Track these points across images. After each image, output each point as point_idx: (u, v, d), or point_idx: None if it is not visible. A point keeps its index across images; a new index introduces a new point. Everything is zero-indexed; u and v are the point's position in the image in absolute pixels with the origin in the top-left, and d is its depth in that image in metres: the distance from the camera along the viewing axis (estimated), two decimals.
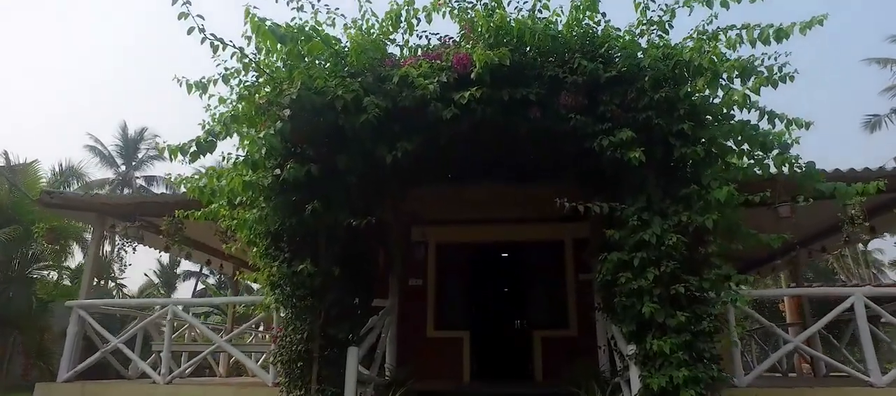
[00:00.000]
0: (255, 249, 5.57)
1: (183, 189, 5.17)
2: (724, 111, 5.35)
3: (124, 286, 31.99)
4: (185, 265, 34.63)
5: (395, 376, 6.79)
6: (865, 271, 28.53)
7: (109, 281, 30.93)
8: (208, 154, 4.89)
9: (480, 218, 10.12)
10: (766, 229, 5.40)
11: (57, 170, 26.28)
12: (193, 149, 4.83)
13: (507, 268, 11.18)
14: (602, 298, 6.13)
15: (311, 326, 5.19)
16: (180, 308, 7.89)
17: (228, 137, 4.97)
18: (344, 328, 5.33)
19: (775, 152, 5.07)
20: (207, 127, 4.94)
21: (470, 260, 10.45)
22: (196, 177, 5.41)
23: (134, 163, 35.38)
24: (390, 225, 7.60)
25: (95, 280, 28.78)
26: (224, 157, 4.98)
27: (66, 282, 18.45)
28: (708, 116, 5.36)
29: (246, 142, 4.90)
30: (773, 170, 5.13)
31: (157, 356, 8.20)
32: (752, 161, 5.49)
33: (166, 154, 4.81)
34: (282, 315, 5.61)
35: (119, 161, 35.06)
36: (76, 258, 27.54)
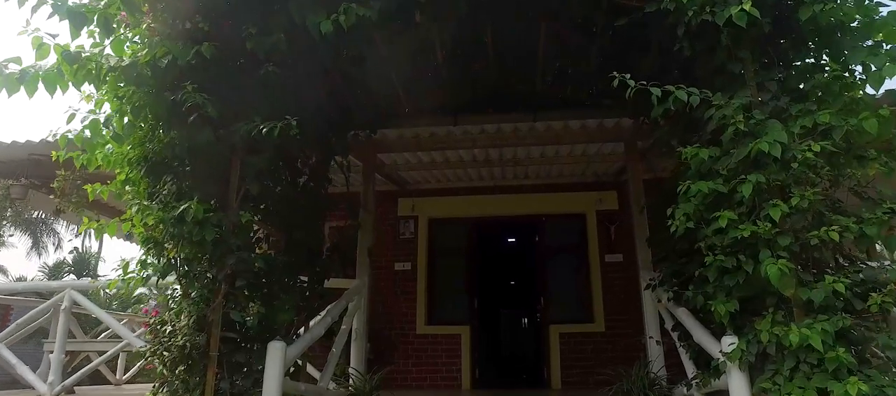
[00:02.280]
0: (128, 188, 3.55)
1: None
2: None
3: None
4: None
5: (361, 385, 4.77)
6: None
7: (95, 280, 29.09)
8: None
9: (483, 187, 8.18)
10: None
11: None
12: None
13: (517, 249, 9.19)
14: (666, 266, 4.07)
15: (201, 306, 3.17)
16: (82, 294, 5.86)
17: None
18: (255, 311, 3.31)
19: None
20: None
21: (470, 238, 8.46)
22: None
23: None
24: (352, 168, 5.60)
25: (73, 276, 26.74)
26: None
27: None
28: None
29: None
30: None
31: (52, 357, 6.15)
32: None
33: None
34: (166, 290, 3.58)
35: None
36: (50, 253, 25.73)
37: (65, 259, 27.95)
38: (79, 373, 5.83)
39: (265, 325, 3.62)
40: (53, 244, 25.98)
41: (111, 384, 8.02)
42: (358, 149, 5.66)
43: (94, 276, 27.97)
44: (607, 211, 8.05)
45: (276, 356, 3.31)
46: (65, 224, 24.53)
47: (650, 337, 4.81)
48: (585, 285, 7.91)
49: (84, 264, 27.67)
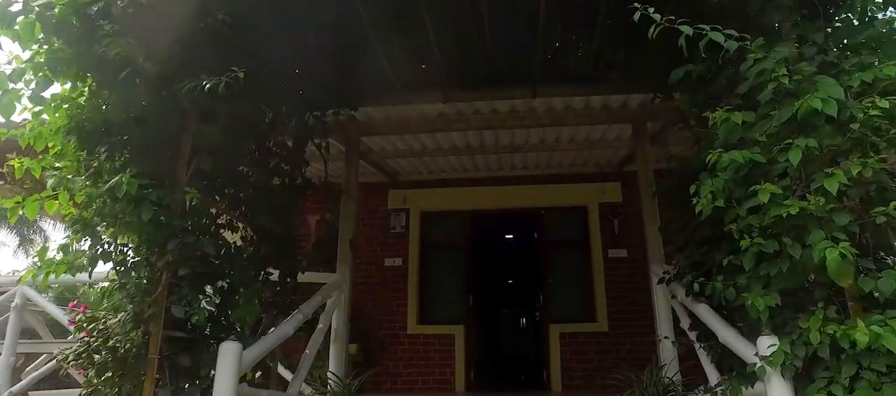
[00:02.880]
0: (58, 164, 3.04)
1: None
2: None
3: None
4: None
5: (340, 391, 4.26)
6: None
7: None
8: None
9: (478, 177, 7.69)
10: None
11: None
12: None
13: (515, 244, 8.69)
14: (684, 256, 3.56)
15: (138, 299, 2.66)
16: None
17: None
18: (202, 305, 2.79)
19: None
20: None
21: (465, 233, 7.95)
22: None
23: None
24: (336, 155, 5.10)
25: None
26: None
27: None
28: None
29: None
30: None
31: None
32: None
33: None
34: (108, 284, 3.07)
35: None
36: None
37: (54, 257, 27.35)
38: (31, 377, 5.31)
39: (224, 323, 3.13)
40: (41, 241, 25.31)
41: (81, 386, 7.50)
42: (340, 131, 5.17)
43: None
44: (610, 204, 7.57)
45: (229, 358, 2.80)
46: (51, 220, 23.88)
47: (664, 337, 4.30)
48: (587, 282, 7.42)
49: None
